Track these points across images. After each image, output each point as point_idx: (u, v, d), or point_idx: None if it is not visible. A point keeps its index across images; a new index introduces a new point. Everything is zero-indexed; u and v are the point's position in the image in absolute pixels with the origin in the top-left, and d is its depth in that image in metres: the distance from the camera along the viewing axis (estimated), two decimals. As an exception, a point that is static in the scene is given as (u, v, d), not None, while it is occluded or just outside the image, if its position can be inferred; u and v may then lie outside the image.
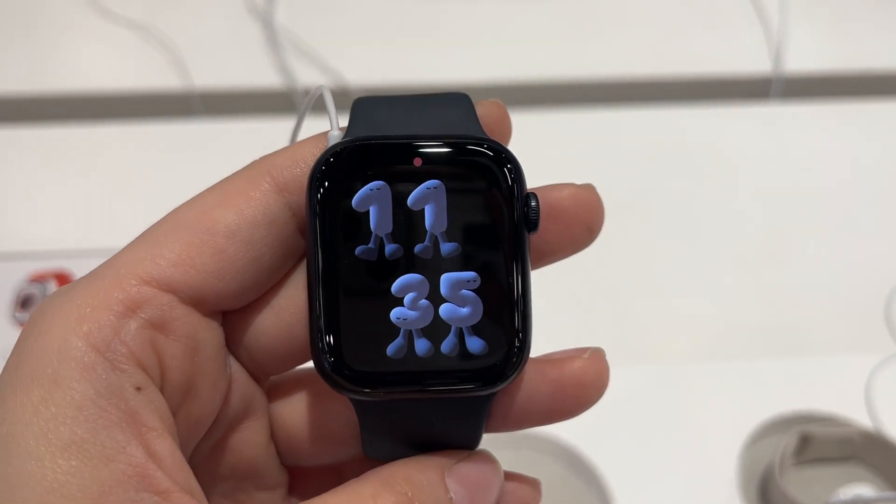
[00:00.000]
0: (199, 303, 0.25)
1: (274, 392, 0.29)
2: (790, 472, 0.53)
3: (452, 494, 0.25)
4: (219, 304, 0.25)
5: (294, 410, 0.29)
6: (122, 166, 0.72)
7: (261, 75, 0.78)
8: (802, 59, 0.80)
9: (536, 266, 0.28)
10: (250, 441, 0.28)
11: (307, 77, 0.77)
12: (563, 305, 0.65)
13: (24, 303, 0.58)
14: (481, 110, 0.27)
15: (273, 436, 0.29)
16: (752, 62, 0.80)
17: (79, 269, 0.60)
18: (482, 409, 0.26)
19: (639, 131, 0.75)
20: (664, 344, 0.63)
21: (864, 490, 0.52)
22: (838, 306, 0.65)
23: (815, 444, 0.54)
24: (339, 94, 0.74)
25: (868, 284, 0.65)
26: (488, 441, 0.27)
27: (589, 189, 0.27)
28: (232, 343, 0.27)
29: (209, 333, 0.26)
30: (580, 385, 0.26)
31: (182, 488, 0.23)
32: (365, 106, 0.27)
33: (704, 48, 0.81)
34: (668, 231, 0.69)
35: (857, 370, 0.59)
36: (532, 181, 0.27)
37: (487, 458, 0.27)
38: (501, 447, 0.55)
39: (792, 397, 0.57)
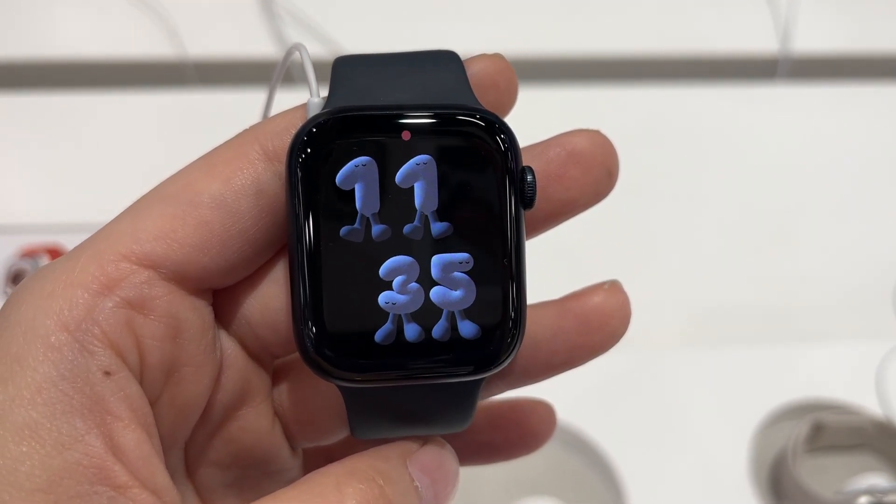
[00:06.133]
0: (182, 279, 0.23)
1: (278, 374, 0.28)
2: (802, 460, 0.53)
3: (417, 483, 0.24)
4: (204, 280, 0.24)
5: (298, 389, 0.28)
6: (114, 136, 0.69)
7: (256, 44, 0.75)
8: (811, 40, 0.78)
9: (560, 220, 0.27)
10: (251, 427, 0.27)
11: (305, 47, 0.75)
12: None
13: (16, 279, 0.56)
14: (478, 66, 0.26)
15: (280, 418, 0.28)
16: (759, 41, 0.78)
17: (71, 244, 0.57)
18: (474, 391, 0.25)
19: (642, 110, 0.73)
20: (672, 329, 0.62)
21: (878, 480, 0.52)
22: (848, 292, 0.64)
23: (827, 432, 0.54)
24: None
25: (878, 270, 0.65)
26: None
27: (601, 133, 0.26)
28: (227, 322, 0.26)
29: (193, 313, 0.24)
30: (605, 315, 0.26)
31: (144, 484, 0.22)
32: (347, 67, 0.25)
33: (711, 26, 0.79)
34: (673, 213, 0.68)
35: (867, 358, 0.58)
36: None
37: (443, 445, 0.26)
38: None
39: (801, 384, 0.57)
